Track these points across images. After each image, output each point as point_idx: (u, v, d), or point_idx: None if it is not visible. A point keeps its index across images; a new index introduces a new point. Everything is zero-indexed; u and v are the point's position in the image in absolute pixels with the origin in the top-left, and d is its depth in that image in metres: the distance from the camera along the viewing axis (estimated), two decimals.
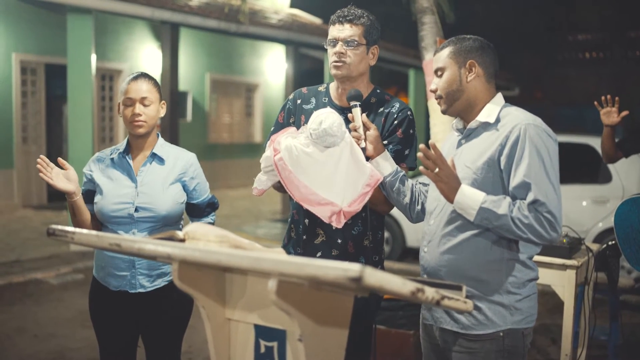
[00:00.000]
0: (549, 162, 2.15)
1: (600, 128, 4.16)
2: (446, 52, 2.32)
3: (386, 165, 2.56)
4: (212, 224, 2.91)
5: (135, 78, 2.73)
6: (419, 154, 2.16)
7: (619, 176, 6.73)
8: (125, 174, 2.74)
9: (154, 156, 2.77)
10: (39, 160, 2.60)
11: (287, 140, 2.53)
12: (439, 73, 2.33)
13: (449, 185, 2.16)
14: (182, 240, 1.87)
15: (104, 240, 1.79)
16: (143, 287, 2.72)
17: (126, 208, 2.68)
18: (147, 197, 2.70)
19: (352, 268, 1.32)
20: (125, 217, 2.68)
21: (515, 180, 2.14)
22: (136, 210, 2.68)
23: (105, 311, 2.77)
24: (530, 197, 2.11)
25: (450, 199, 2.18)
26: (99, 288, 2.77)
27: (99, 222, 2.77)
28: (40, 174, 2.58)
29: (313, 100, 2.80)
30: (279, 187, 2.62)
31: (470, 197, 2.15)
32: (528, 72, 20.98)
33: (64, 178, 2.62)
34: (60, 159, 2.67)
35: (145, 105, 2.70)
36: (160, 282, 2.74)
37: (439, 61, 2.33)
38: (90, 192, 2.77)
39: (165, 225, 2.74)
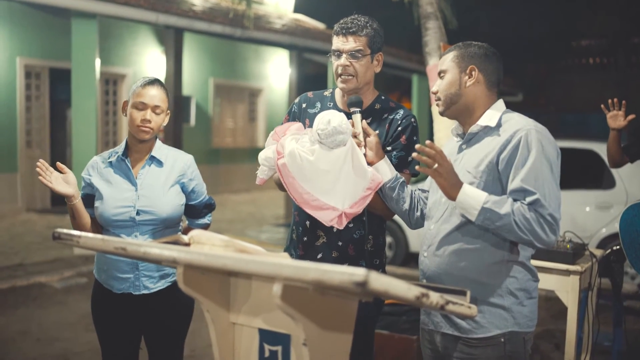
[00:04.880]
0: (551, 167, 2.15)
1: (603, 134, 4.15)
2: (450, 55, 2.36)
3: (386, 172, 2.56)
4: (209, 224, 2.94)
5: (152, 83, 2.73)
6: (415, 155, 2.16)
7: (622, 181, 6.72)
8: (124, 177, 2.75)
9: (153, 159, 2.78)
10: (38, 164, 2.62)
11: (292, 145, 2.54)
12: (442, 75, 2.38)
13: (449, 182, 2.15)
14: (187, 245, 1.87)
15: (109, 244, 1.80)
16: (147, 289, 2.73)
17: (127, 212, 2.69)
18: (147, 200, 2.71)
19: (357, 272, 1.32)
20: (127, 221, 2.70)
21: (515, 183, 2.14)
22: (137, 213, 2.69)
23: (109, 314, 2.78)
24: (531, 198, 2.11)
25: (451, 196, 2.17)
26: (102, 291, 2.78)
27: (100, 226, 2.78)
28: (40, 177, 2.60)
29: (318, 104, 2.82)
30: (280, 184, 2.63)
31: (473, 197, 2.14)
32: (532, 78, 20.96)
33: (63, 182, 2.64)
34: (59, 163, 2.68)
35: (156, 114, 2.72)
36: (164, 284, 2.76)
37: (443, 64, 2.38)
38: (89, 197, 2.78)
39: (166, 227, 2.76)
